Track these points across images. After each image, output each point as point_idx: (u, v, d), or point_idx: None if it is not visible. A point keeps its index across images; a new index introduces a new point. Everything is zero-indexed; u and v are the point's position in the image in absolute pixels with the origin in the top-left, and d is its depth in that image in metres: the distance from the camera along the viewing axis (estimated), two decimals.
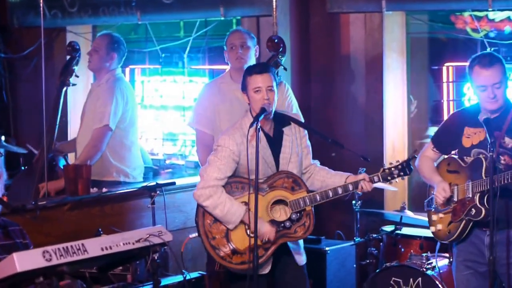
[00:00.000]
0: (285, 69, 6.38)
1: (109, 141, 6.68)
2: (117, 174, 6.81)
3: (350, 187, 5.21)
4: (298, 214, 5.20)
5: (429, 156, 5.53)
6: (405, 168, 5.30)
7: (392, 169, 5.28)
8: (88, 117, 6.82)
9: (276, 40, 6.33)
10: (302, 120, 5.78)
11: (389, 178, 5.28)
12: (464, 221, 5.21)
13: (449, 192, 5.28)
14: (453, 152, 5.34)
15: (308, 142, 5.44)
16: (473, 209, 5.13)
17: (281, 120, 5.37)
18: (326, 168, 5.48)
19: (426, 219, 6.59)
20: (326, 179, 5.37)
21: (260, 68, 5.30)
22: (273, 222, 5.23)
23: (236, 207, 5.22)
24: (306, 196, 5.20)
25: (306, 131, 5.46)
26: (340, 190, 5.23)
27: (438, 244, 5.89)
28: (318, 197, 5.21)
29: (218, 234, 5.29)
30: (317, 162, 5.53)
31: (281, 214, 5.23)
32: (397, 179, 5.33)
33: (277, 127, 5.34)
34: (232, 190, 5.29)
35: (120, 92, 6.72)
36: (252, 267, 5.06)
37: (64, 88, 6.89)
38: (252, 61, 6.28)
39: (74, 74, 6.91)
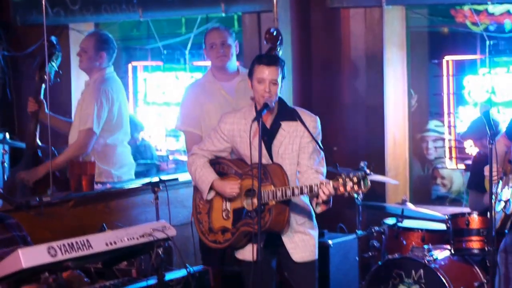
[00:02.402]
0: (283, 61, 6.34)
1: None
2: (99, 174, 6.71)
3: (305, 190, 5.05)
4: (262, 207, 5.16)
5: (501, 141, 5.53)
6: (360, 182, 4.91)
7: (347, 180, 4.92)
8: (76, 116, 6.82)
9: (275, 33, 6.28)
10: None
11: (341, 189, 4.94)
12: (504, 213, 5.25)
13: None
14: None
15: (309, 144, 5.29)
16: (506, 203, 5.17)
17: (284, 114, 5.34)
18: (321, 176, 5.27)
19: (427, 211, 6.68)
20: (306, 183, 5.16)
21: (268, 59, 5.27)
22: (243, 209, 5.30)
23: (207, 175, 5.38)
24: (270, 190, 5.14)
25: (318, 134, 5.34)
26: (296, 191, 5.09)
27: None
28: (279, 193, 5.12)
29: (203, 209, 5.51)
30: (320, 170, 5.34)
31: (251, 203, 5.26)
32: (350, 192, 4.94)
33: (277, 119, 5.32)
34: (219, 171, 5.43)
35: (105, 94, 6.65)
36: (221, 247, 5.47)
37: (43, 85, 6.87)
38: (234, 58, 6.26)
39: (54, 70, 6.87)
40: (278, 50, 6.23)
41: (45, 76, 6.77)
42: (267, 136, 5.29)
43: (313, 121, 5.36)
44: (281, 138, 5.30)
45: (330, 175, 5.32)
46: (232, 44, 6.27)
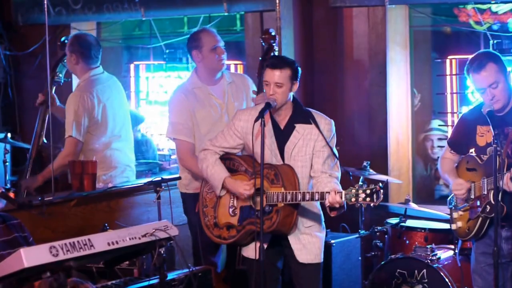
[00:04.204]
0: None
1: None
2: None
3: (316, 196, 5.05)
4: (271, 208, 5.18)
5: (448, 158, 5.51)
6: (373, 194, 4.90)
7: (360, 191, 4.93)
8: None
9: (273, 33, 6.21)
10: None
11: (353, 200, 4.92)
12: (481, 218, 5.20)
13: (466, 185, 5.25)
14: (471, 150, 5.31)
15: (324, 148, 5.27)
16: (488, 206, 5.12)
17: (299, 116, 5.32)
18: (335, 180, 5.27)
19: (430, 211, 6.65)
20: (320, 188, 5.19)
21: (274, 63, 5.26)
22: (250, 208, 5.30)
23: (219, 172, 5.37)
24: (280, 192, 5.13)
25: (332, 137, 5.33)
26: (307, 196, 5.09)
27: (460, 242, 5.88)
28: (289, 196, 5.11)
29: (209, 203, 5.51)
30: (334, 175, 5.32)
31: (259, 202, 5.23)
32: (362, 203, 4.93)
33: (291, 121, 5.31)
34: (230, 167, 5.42)
35: (83, 102, 6.56)
36: (225, 243, 5.48)
37: (54, 87, 6.87)
38: None
39: (65, 69, 6.89)
40: (275, 50, 6.17)
41: (56, 77, 6.80)
42: (281, 137, 5.29)
43: (328, 125, 5.34)
44: (294, 140, 5.29)
45: (342, 182, 5.32)
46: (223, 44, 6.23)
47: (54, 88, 6.90)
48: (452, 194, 5.43)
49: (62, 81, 6.97)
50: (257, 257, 5.07)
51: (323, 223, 5.44)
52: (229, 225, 5.39)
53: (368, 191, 4.91)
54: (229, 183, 5.35)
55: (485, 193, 5.15)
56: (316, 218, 5.39)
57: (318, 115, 5.37)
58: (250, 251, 5.33)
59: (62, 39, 6.99)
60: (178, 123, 6.11)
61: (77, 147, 6.58)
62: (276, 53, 6.27)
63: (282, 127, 5.32)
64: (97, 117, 6.62)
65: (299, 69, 5.31)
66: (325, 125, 5.32)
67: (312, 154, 5.29)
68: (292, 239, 5.33)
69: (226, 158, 5.45)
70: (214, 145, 5.46)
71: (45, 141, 6.79)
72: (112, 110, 6.75)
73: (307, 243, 5.34)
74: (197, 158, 5.57)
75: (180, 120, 6.10)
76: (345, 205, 5.06)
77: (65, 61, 6.88)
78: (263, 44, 6.26)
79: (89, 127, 6.60)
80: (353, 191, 4.94)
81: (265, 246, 5.20)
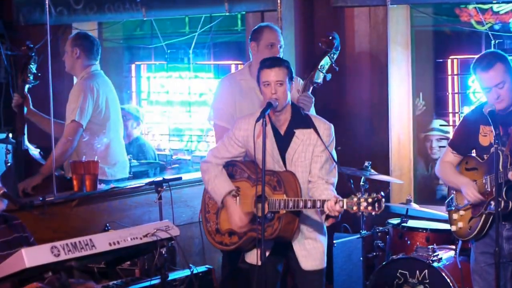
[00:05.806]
0: (336, 67, 6.18)
1: (85, 139, 6.63)
2: None
3: (318, 204, 5.00)
4: (273, 214, 5.16)
5: (449, 161, 5.48)
6: (374, 203, 4.84)
7: (361, 200, 4.86)
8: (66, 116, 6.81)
9: (330, 37, 6.15)
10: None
11: (354, 208, 4.87)
12: (484, 215, 5.20)
13: (479, 196, 5.23)
14: (473, 151, 5.32)
15: (323, 153, 5.25)
16: (492, 202, 5.12)
17: (298, 121, 5.30)
18: (331, 187, 5.23)
19: (432, 211, 6.65)
20: (316, 194, 5.18)
21: (271, 62, 5.25)
22: (251, 214, 5.28)
23: (221, 186, 5.36)
24: (282, 199, 5.11)
25: (331, 142, 5.31)
26: (309, 204, 5.04)
27: (460, 243, 5.88)
28: (291, 204, 5.08)
29: (212, 209, 5.51)
30: (330, 181, 5.30)
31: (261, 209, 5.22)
32: (364, 212, 4.90)
33: (291, 126, 5.29)
34: (232, 173, 5.42)
35: (90, 89, 6.62)
36: (227, 249, 5.45)
37: (27, 86, 6.87)
38: None
39: (32, 72, 6.88)
40: (332, 55, 6.12)
41: (27, 78, 6.81)
42: (282, 143, 5.28)
43: (327, 129, 5.32)
44: (295, 146, 5.27)
45: (340, 187, 5.30)
46: (283, 45, 6.26)
47: (27, 87, 6.91)
48: (451, 197, 5.43)
49: (32, 84, 6.95)
50: (259, 263, 5.04)
51: (325, 227, 5.44)
52: (231, 232, 5.38)
53: (370, 200, 4.86)
54: (229, 205, 5.34)
55: (489, 190, 5.15)
56: (319, 222, 5.37)
57: (317, 119, 5.36)
58: (253, 256, 5.32)
59: (27, 43, 7.01)
60: (219, 109, 6.20)
61: (79, 133, 6.59)
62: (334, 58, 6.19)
63: (282, 132, 5.30)
64: (101, 107, 6.67)
65: (292, 70, 5.31)
66: (324, 129, 5.30)
67: (311, 159, 5.28)
68: (296, 245, 5.32)
69: (229, 164, 5.45)
70: (216, 156, 5.45)
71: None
72: (114, 105, 6.81)
73: (312, 249, 5.34)
74: (200, 168, 5.56)
75: (222, 106, 6.19)
76: (340, 216, 5.04)
77: (32, 64, 6.88)
78: (320, 45, 6.20)
79: (94, 116, 6.62)
80: (355, 199, 4.89)
81: (267, 253, 5.19)
